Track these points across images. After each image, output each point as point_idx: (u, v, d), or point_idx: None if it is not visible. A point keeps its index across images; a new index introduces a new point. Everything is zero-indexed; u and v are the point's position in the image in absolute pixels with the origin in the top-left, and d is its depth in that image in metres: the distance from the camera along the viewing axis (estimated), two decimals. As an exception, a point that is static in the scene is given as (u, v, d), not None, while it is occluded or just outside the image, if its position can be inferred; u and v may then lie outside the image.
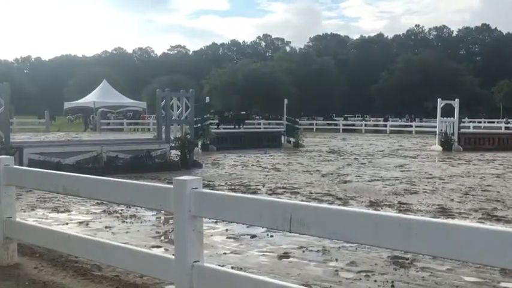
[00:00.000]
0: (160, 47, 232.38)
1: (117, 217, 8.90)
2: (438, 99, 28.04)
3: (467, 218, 9.06)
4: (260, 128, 49.47)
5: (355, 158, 21.40)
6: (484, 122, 59.86)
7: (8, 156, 6.47)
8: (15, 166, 6.31)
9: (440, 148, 26.76)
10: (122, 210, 9.34)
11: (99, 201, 9.62)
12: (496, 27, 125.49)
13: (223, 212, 4.13)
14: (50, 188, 5.98)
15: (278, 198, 10.40)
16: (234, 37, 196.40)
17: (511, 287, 5.43)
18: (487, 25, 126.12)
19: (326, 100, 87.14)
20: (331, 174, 15.59)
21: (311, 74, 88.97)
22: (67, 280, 5.38)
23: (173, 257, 4.39)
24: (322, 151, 25.50)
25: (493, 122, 59.34)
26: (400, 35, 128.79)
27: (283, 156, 22.34)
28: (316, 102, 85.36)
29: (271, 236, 7.47)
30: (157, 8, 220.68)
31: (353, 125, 58.95)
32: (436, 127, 28.59)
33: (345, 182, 13.84)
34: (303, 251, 6.74)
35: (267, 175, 15.31)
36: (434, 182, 13.85)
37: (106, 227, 8.14)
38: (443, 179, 14.54)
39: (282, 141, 28.99)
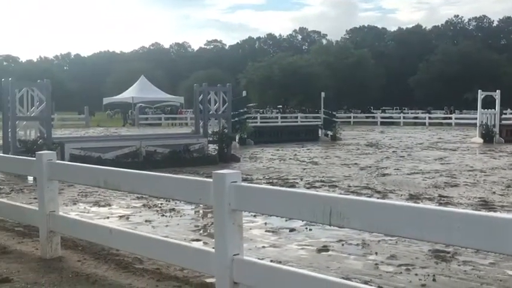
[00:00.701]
0: (196, 42, 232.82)
1: (157, 211, 9.00)
2: (479, 90, 27.56)
3: (511, 210, 8.90)
4: (297, 122, 49.35)
5: (393, 151, 21.20)
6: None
7: (51, 152, 6.60)
8: (57, 161, 6.42)
9: (481, 140, 26.31)
10: (161, 204, 9.43)
11: (138, 196, 9.74)
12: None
13: (263, 205, 4.13)
14: (91, 182, 6.08)
15: (316, 191, 10.38)
16: (270, 31, 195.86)
17: (557, 281, 5.32)
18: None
19: (363, 93, 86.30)
20: (370, 167, 15.48)
21: (348, 66, 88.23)
22: (109, 273, 5.46)
23: (213, 250, 4.41)
24: (360, 144, 25.32)
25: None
26: (438, 26, 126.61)
27: (321, 150, 22.26)
28: (353, 95, 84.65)
29: (310, 230, 7.45)
30: (193, 3, 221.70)
31: (391, 117, 58.33)
32: (476, 119, 28.11)
33: (384, 175, 13.73)
34: (342, 245, 6.72)
35: (304, 169, 15.27)
36: (476, 175, 13.63)
37: (146, 221, 8.23)
38: (485, 172, 14.30)
39: (319, 135, 28.89)
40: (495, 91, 27.29)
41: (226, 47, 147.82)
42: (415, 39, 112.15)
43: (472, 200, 9.87)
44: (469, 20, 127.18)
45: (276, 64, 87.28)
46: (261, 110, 67.77)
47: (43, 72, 78.98)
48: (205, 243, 6.71)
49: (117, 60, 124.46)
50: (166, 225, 7.94)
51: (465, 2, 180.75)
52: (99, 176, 5.61)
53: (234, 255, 4.20)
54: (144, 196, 9.61)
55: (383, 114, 59.66)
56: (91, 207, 9.50)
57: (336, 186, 11.78)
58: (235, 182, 4.23)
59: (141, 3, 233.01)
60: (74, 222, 6.14)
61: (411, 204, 3.51)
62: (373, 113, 64.09)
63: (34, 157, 6.41)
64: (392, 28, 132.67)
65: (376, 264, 5.91)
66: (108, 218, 8.50)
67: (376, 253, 6.32)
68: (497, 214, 3.29)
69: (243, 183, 4.36)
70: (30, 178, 12.16)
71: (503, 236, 2.91)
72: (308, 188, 11.47)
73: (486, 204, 9.46)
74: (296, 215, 4.01)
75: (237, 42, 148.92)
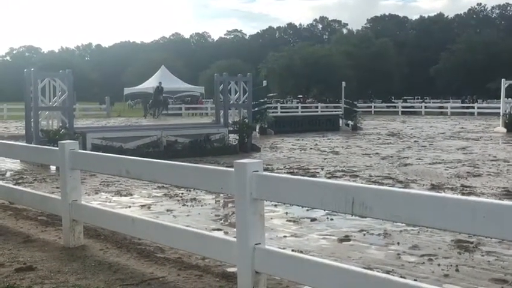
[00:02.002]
0: (216, 32, 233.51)
1: (178, 200, 9.03)
2: (502, 79, 27.24)
3: (534, 201, 8.79)
4: (318, 112, 49.19)
5: (415, 141, 21.04)
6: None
7: (73, 141, 6.65)
8: (80, 151, 6.46)
9: (504, 130, 26.03)
10: (182, 193, 9.46)
11: (159, 185, 9.79)
12: None
13: (285, 194, 4.12)
14: (113, 171, 6.11)
15: (337, 181, 10.34)
16: (290, 20, 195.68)
17: None
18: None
19: (385, 82, 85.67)
20: (391, 157, 15.38)
21: (369, 56, 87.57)
22: (131, 262, 5.49)
23: (235, 239, 4.42)
24: (381, 134, 25.18)
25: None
26: (461, 14, 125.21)
27: (342, 140, 22.17)
28: (374, 85, 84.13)
29: (331, 219, 7.43)
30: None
31: (412, 107, 57.90)
32: (499, 108, 27.78)
33: (405, 165, 13.64)
34: (364, 235, 6.69)
35: (325, 158, 15.23)
36: (499, 165, 13.49)
37: (167, 210, 8.27)
38: (508, 162, 14.14)
39: (340, 125, 28.77)
40: (519, 80, 26.97)
41: (247, 37, 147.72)
42: (436, 28, 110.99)
43: (495, 190, 9.77)
44: (492, 8, 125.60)
45: (296, 54, 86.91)
46: (282, 100, 67.64)
47: (65, 62, 79.42)
48: (226, 232, 6.72)
49: (138, 50, 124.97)
50: (188, 215, 7.96)
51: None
52: (121, 166, 5.64)
53: (256, 244, 4.20)
54: (165, 186, 9.65)
55: (404, 104, 59.24)
56: (113, 196, 9.56)
57: (357, 176, 11.73)
58: (257, 171, 4.23)
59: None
60: (96, 211, 6.18)
61: (434, 193, 3.49)
62: (394, 102, 63.67)
63: (56, 147, 6.45)
64: (414, 17, 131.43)
65: (398, 254, 5.88)
66: (129, 207, 8.55)
67: (398, 243, 6.28)
68: (523, 204, 3.23)
69: (265, 173, 4.35)
70: (53, 167, 12.27)
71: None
72: (329, 178, 11.42)
73: (510, 194, 9.35)
74: (318, 204, 4.00)
75: (257, 32, 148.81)
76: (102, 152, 8.32)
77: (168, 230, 5.20)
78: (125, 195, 9.60)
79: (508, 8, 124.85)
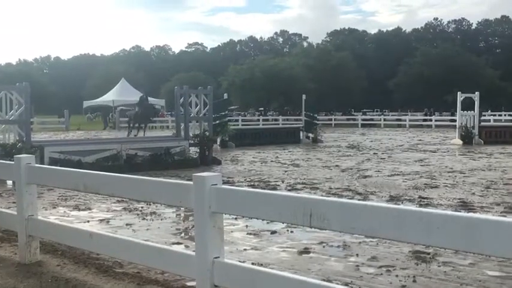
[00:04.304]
0: (177, 45, 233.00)
1: (138, 214, 8.95)
2: (458, 92, 27.81)
3: (489, 211, 8.98)
4: (278, 124, 49.41)
5: (374, 153, 21.30)
6: (505, 115, 59.19)
7: (29, 155, 6.53)
8: (36, 165, 6.36)
9: (460, 142, 26.55)
10: (142, 207, 9.39)
11: (119, 199, 9.69)
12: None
13: (243, 208, 4.12)
14: (70, 186, 6.02)
15: (297, 193, 10.40)
16: (251, 33, 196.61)
17: (535, 281, 5.37)
18: (506, 17, 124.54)
19: (345, 95, 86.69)
20: (351, 169, 15.54)
21: (329, 69, 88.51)
22: (89, 277, 5.41)
23: (194, 253, 4.40)
24: (341, 146, 25.42)
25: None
26: (418, 28, 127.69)
27: (302, 152, 22.30)
28: (334, 98, 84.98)
29: (292, 232, 7.46)
30: (174, 6, 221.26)
31: (372, 119, 58.67)
32: (456, 121, 28.35)
33: (365, 177, 13.79)
34: (324, 246, 6.73)
35: (286, 171, 15.29)
36: (455, 176, 13.74)
37: (127, 224, 8.19)
38: (464, 173, 14.43)
39: (301, 137, 28.94)
40: (474, 93, 27.56)
41: (208, 50, 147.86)
42: (395, 42, 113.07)
43: (451, 201, 9.95)
44: (448, 22, 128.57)
45: (257, 67, 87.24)
46: (243, 113, 67.77)
47: (22, 75, 78.14)
48: (186, 246, 6.68)
49: (98, 63, 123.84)
50: (147, 229, 7.90)
51: (444, 4, 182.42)
52: (78, 180, 5.57)
53: (215, 258, 4.19)
54: (124, 200, 9.56)
55: (364, 117, 59.98)
56: (71, 211, 9.42)
57: (318, 188, 11.81)
58: (216, 184, 4.22)
59: (122, 6, 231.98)
60: (53, 226, 6.08)
61: (390, 205, 3.52)
62: (354, 115, 64.41)
63: (13, 161, 6.34)
64: (373, 31, 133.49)
65: (357, 265, 5.93)
66: (88, 221, 8.44)
67: (357, 254, 6.34)
68: (476, 215, 3.32)
69: (224, 186, 4.35)
70: (9, 182, 12.03)
71: (482, 237, 2.93)
72: (289, 190, 11.48)
73: (465, 205, 9.53)
74: (276, 217, 4.01)
75: (218, 45, 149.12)
76: (60, 166, 8.20)
77: (126, 245, 5.15)
78: (84, 210, 9.47)
79: (464, 22, 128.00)
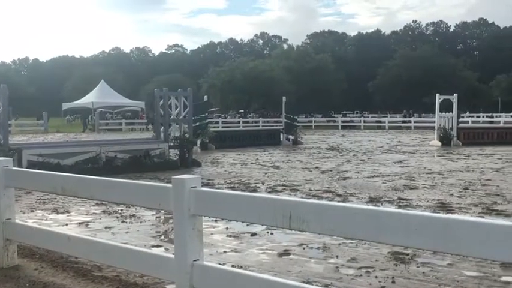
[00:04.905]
0: (157, 47, 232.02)
1: (117, 217, 8.89)
2: (436, 94, 28.06)
3: (467, 212, 9.06)
4: (259, 126, 49.46)
5: (354, 155, 21.39)
6: (483, 117, 59.86)
7: (7, 158, 6.46)
8: (13, 168, 6.29)
9: (439, 143, 26.77)
10: (121, 210, 9.33)
11: (98, 202, 9.61)
12: (493, 22, 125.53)
13: (223, 210, 4.11)
14: (48, 189, 5.97)
15: (277, 195, 10.41)
16: (231, 35, 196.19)
17: (512, 280, 5.43)
18: (484, 19, 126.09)
19: (325, 97, 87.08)
20: (331, 171, 15.59)
21: (309, 71, 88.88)
22: (67, 281, 5.37)
23: (173, 256, 4.38)
24: (321, 148, 25.50)
25: (492, 117, 59.34)
26: (397, 30, 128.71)
27: (282, 154, 22.33)
28: (314, 100, 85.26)
29: (272, 234, 7.46)
30: (154, 8, 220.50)
31: (352, 121, 58.96)
32: (434, 122, 28.59)
33: (345, 178, 13.84)
34: (304, 248, 6.74)
35: (266, 173, 15.30)
36: (434, 177, 13.85)
37: (106, 227, 8.13)
38: (443, 174, 14.55)
39: (281, 139, 28.97)
40: (453, 95, 27.81)
41: (188, 52, 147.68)
42: (374, 44, 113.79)
43: (430, 202, 10.02)
44: (427, 25, 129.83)
45: (237, 69, 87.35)
46: (223, 115, 67.75)
47: (0, 77, 77.43)
48: (166, 249, 6.65)
49: (77, 65, 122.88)
50: (127, 232, 7.85)
51: (422, 7, 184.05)
52: (56, 183, 5.52)
53: (194, 260, 4.17)
54: (103, 202, 9.49)
55: (344, 118, 60.26)
56: (49, 214, 9.33)
57: (298, 190, 11.83)
58: (195, 187, 4.21)
59: (101, 8, 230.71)
60: (31, 230, 6.02)
61: (369, 207, 3.54)
62: (334, 117, 64.68)
63: (-11, 164, 6.26)
64: (352, 33, 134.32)
65: (337, 267, 5.94)
66: (66, 225, 8.37)
67: (337, 256, 6.36)
68: (454, 216, 3.35)
69: (203, 188, 4.33)
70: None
71: (459, 237, 2.95)
72: (270, 192, 11.48)
73: (444, 206, 9.61)
74: (256, 219, 4.01)
75: (199, 47, 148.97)
76: (39, 169, 8.13)
77: (105, 248, 5.11)
78: (62, 213, 9.39)
79: (442, 25, 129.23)
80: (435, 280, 5.44)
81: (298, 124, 31.26)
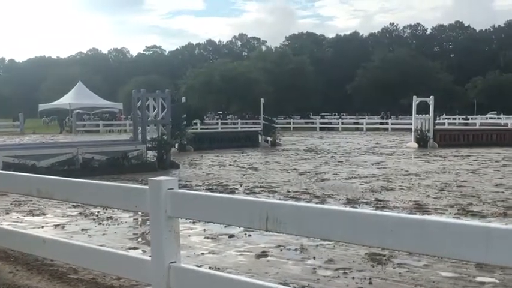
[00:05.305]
0: (135, 48, 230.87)
1: (94, 219, 8.83)
2: (413, 96, 28.27)
3: (443, 213, 9.14)
4: (237, 128, 49.42)
5: (332, 156, 21.48)
6: (459, 119, 60.48)
7: (-19, 160, 6.39)
8: (-12, 169, 6.22)
9: (416, 145, 26.98)
10: (98, 212, 9.26)
11: (75, 204, 9.54)
12: (469, 25, 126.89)
13: (199, 212, 4.10)
14: (23, 191, 5.91)
15: (255, 197, 10.41)
16: (209, 37, 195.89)
17: (487, 281, 5.48)
18: (460, 22, 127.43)
19: (303, 99, 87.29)
20: (309, 172, 15.63)
21: (287, 73, 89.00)
22: (42, 284, 5.31)
23: (150, 258, 4.36)
24: (300, 150, 25.56)
25: (468, 119, 60.01)
26: (375, 33, 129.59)
27: (261, 156, 22.34)
28: (293, 101, 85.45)
29: (249, 236, 7.46)
30: (131, 9, 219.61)
31: (330, 123, 59.21)
32: (411, 124, 28.82)
33: (322, 180, 13.88)
34: (281, 250, 6.74)
35: (244, 174, 15.30)
36: (411, 179, 13.95)
37: (82, 230, 8.06)
38: (419, 176, 14.66)
39: (259, 141, 28.98)
40: (429, 97, 28.04)
41: (166, 53, 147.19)
42: (352, 46, 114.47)
43: (407, 204, 10.09)
44: (404, 27, 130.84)
45: (215, 70, 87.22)
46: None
47: (-25, 78, 76.47)
48: (143, 251, 6.61)
49: (54, 65, 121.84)
50: (103, 234, 7.79)
51: (400, 9, 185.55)
52: (31, 185, 5.46)
53: (171, 263, 4.15)
54: (80, 204, 9.41)
55: (322, 120, 60.50)
56: (25, 216, 9.23)
57: (276, 191, 11.84)
58: (172, 189, 4.19)
59: (78, 8, 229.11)
60: (5, 233, 5.95)
61: (345, 208, 3.56)
62: (312, 118, 64.91)
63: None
64: (330, 35, 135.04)
65: (314, 268, 5.96)
66: (42, 227, 8.28)
67: (314, 257, 6.37)
68: (429, 217, 3.37)
69: (180, 190, 4.32)
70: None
71: (435, 239, 2.97)
72: (248, 194, 11.48)
73: (420, 208, 9.68)
74: (233, 221, 4.01)
75: (177, 48, 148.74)
76: (14, 171, 8.04)
77: (80, 250, 5.07)
78: (38, 215, 9.30)
79: (419, 27, 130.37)
80: (411, 281, 5.48)
81: (276, 126, 31.31)
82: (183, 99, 29.40)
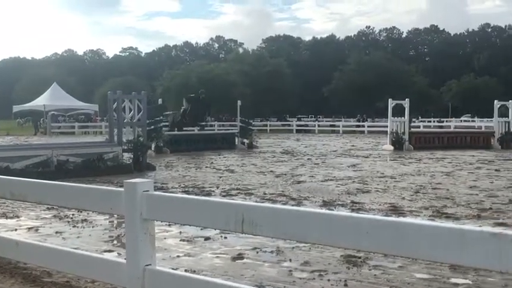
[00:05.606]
0: (111, 49, 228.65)
1: (68, 222, 8.74)
2: (389, 99, 28.48)
3: (418, 215, 9.21)
4: (214, 130, 49.35)
5: (308, 159, 21.53)
6: (434, 122, 61.12)
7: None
8: (-40, 171, 6.13)
9: (391, 147, 27.15)
10: (73, 214, 9.16)
11: (49, 206, 9.43)
12: (444, 29, 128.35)
13: (175, 214, 4.09)
14: (-4, 193, 5.82)
15: (232, 199, 10.40)
16: (186, 39, 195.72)
17: (460, 282, 5.54)
18: (435, 26, 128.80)
19: (280, 101, 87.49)
20: (285, 174, 15.65)
21: (264, 75, 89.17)
22: (16, 287, 5.24)
23: (125, 261, 4.33)
24: (276, 152, 25.58)
25: (442, 121, 60.66)
26: (351, 36, 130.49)
27: (237, 158, 22.32)
28: (270, 104, 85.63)
29: (225, 238, 7.44)
30: (108, 10, 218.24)
31: (306, 125, 59.43)
32: (387, 127, 29.01)
33: (299, 182, 13.91)
34: (257, 252, 6.74)
35: (221, 177, 15.26)
36: (386, 181, 14.04)
37: (56, 232, 7.97)
38: (395, 178, 14.76)
39: (236, 143, 28.95)
40: (405, 100, 28.26)
41: (142, 55, 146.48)
42: (329, 49, 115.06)
43: (382, 206, 10.15)
44: (380, 30, 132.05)
45: (192, 72, 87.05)
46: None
47: None
48: (118, 254, 6.56)
49: (28, 66, 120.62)
50: (78, 237, 7.72)
51: (376, 13, 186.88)
52: (4, 187, 5.40)
53: (146, 265, 4.13)
54: (54, 207, 9.31)
55: (299, 122, 60.69)
56: (-2, 219, 9.11)
57: (252, 194, 11.83)
58: (147, 191, 4.17)
59: (54, 9, 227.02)
60: (-22, 236, 5.86)
61: (322, 210, 3.57)
62: (289, 121, 65.08)
63: None
64: (307, 38, 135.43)
65: (290, 270, 5.96)
66: (16, 230, 8.17)
67: (290, 260, 6.38)
68: (403, 219, 3.40)
69: (155, 192, 4.29)
70: None
71: (410, 241, 2.99)
72: (224, 196, 11.46)
73: (396, 210, 9.75)
74: (209, 223, 3.99)
75: (154, 50, 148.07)
76: (-14, 173, 7.93)
77: (54, 253, 5.02)
78: (11, 218, 9.18)
79: (395, 31, 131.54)
80: (386, 283, 5.51)
81: (253, 128, 31.30)
82: (160, 101, 29.28)
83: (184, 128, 30.47)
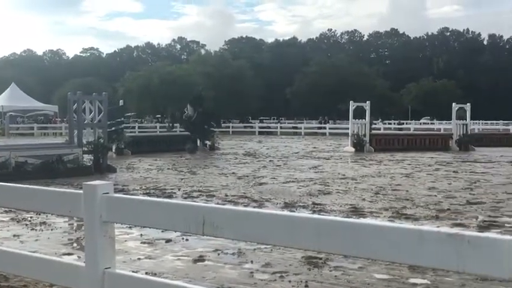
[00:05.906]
0: (72, 50, 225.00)
1: (26, 225, 8.59)
2: (350, 101, 28.76)
3: (378, 216, 9.32)
4: (176, 132, 49.11)
5: (270, 160, 21.60)
6: (394, 124, 61.92)
7: None
8: None
9: (352, 149, 27.43)
10: (31, 217, 9.02)
11: (6, 209, 9.25)
12: (404, 32, 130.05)
13: (135, 217, 4.04)
14: (-49, 196, 5.68)
15: (193, 201, 10.36)
16: (148, 39, 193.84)
17: (419, 282, 5.62)
18: (395, 29, 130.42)
19: (243, 103, 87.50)
20: (247, 176, 15.67)
21: (227, 77, 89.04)
22: (-29, 292, 5.13)
23: (84, 264, 4.26)
24: (238, 154, 25.59)
25: (402, 124, 61.51)
26: (313, 38, 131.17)
27: (199, 159, 22.26)
28: (232, 106, 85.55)
29: (187, 240, 7.41)
30: (68, 10, 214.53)
31: (269, 127, 59.58)
32: (348, 129, 29.28)
33: (261, 184, 13.94)
34: (218, 254, 6.73)
35: (182, 178, 15.20)
36: (347, 183, 14.18)
37: (14, 235, 7.84)
38: (356, 179, 14.91)
39: (198, 144, 28.85)
40: (366, 102, 28.58)
41: (104, 55, 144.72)
42: (291, 51, 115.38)
43: (343, 207, 10.25)
44: (342, 33, 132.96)
45: (154, 73, 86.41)
46: (139, 120, 66.88)
47: None
48: (78, 257, 6.47)
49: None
50: (36, 240, 7.60)
51: (337, 16, 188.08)
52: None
53: (106, 268, 4.07)
54: (12, 210, 9.14)
55: (261, 124, 60.81)
56: (-47, 222, 8.90)
57: (214, 195, 11.82)
58: (107, 193, 4.11)
59: (12, 8, 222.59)
60: None
61: (282, 212, 3.58)
62: (251, 123, 65.14)
63: None
64: (270, 40, 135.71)
65: (252, 272, 5.97)
66: (-29, 233, 8.00)
67: (252, 261, 6.39)
68: (362, 220, 3.43)
69: (115, 195, 4.24)
70: None
71: (370, 242, 3.01)
72: (186, 198, 11.42)
73: (356, 211, 9.85)
74: (169, 226, 3.95)
75: (115, 51, 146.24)
76: None
77: (11, 256, 4.91)
78: (-33, 221, 8.98)
79: (356, 34, 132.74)
80: (347, 283, 5.56)
81: (215, 130, 31.24)
82: (121, 102, 29.03)
83: (145, 130, 30.24)
